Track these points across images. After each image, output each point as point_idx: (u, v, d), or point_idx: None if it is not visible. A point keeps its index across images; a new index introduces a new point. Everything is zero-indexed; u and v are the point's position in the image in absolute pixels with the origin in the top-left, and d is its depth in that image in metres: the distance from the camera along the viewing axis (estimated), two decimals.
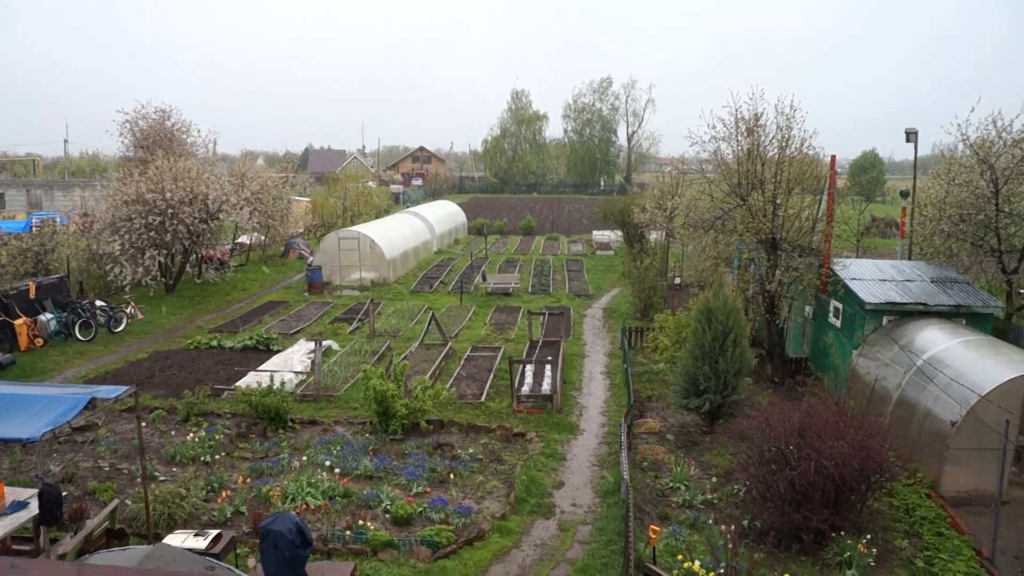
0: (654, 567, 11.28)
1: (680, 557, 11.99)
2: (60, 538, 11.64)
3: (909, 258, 24.38)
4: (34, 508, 11.09)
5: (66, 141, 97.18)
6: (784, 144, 20.81)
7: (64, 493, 12.60)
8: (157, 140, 43.07)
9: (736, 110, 21.17)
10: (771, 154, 21.07)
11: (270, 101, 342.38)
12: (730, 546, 11.46)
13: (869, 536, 12.78)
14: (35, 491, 11.31)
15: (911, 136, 27.34)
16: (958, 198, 22.14)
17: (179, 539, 11.22)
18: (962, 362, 15.52)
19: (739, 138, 21.35)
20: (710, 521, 13.69)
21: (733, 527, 12.35)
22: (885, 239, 49.45)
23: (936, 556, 12.52)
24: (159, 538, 12.08)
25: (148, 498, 13.13)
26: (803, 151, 21.05)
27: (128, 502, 14.26)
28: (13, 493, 11.60)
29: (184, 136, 44.61)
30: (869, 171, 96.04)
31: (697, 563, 11.56)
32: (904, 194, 27.87)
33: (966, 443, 14.44)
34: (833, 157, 21.42)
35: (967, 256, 22.57)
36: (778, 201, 20.70)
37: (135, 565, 8.40)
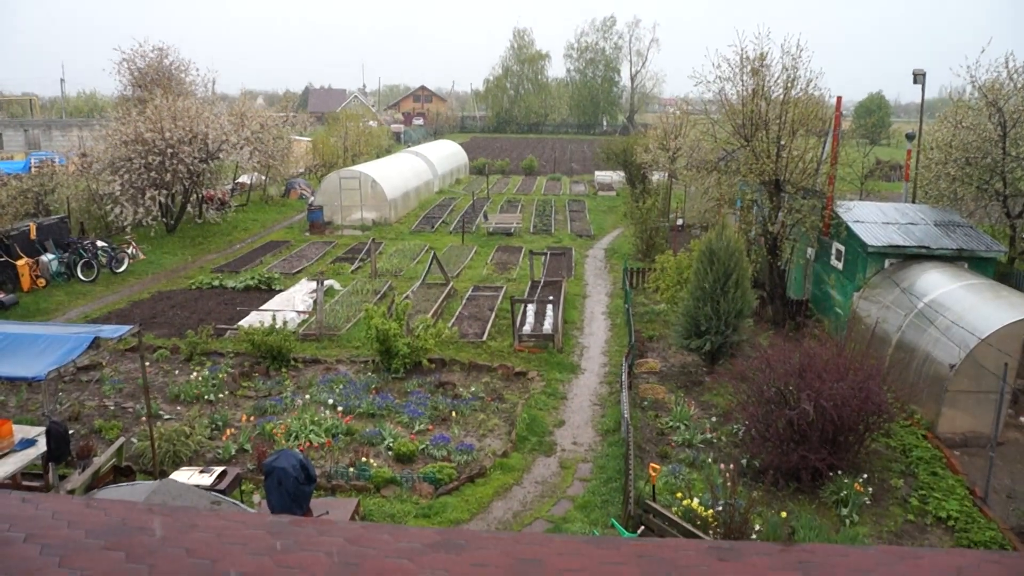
0: (654, 504, 11.45)
1: (679, 495, 12.18)
2: (69, 475, 11.82)
3: (913, 201, 24.26)
4: (42, 445, 11.24)
5: (62, 80, 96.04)
6: (789, 85, 20.54)
7: (71, 431, 12.75)
8: (155, 79, 42.47)
9: (741, 50, 20.86)
10: (776, 95, 20.81)
11: (270, 40, 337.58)
12: (729, 484, 11.62)
13: (866, 475, 12.95)
14: (42, 429, 11.45)
15: (919, 78, 27.01)
16: (965, 141, 21.92)
17: (185, 476, 11.40)
18: (963, 306, 15.55)
19: (744, 78, 21.07)
20: (709, 460, 13.86)
21: (732, 466, 12.52)
22: (889, 182, 49.10)
23: (930, 495, 12.70)
24: (165, 475, 12.26)
25: (153, 436, 13.31)
26: (808, 92, 20.79)
27: (134, 440, 14.44)
28: (21, 431, 11.74)
29: (183, 75, 43.98)
30: (875, 113, 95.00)
31: (696, 501, 11.74)
32: (910, 137, 27.64)
33: (964, 386, 14.54)
34: (839, 99, 21.16)
35: (972, 200, 22.45)
36: (782, 142, 20.52)
37: (143, 500, 8.54)
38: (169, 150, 31.36)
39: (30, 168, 39.51)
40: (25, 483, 11.60)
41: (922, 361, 15.48)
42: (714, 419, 15.60)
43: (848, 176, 28.93)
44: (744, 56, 20.85)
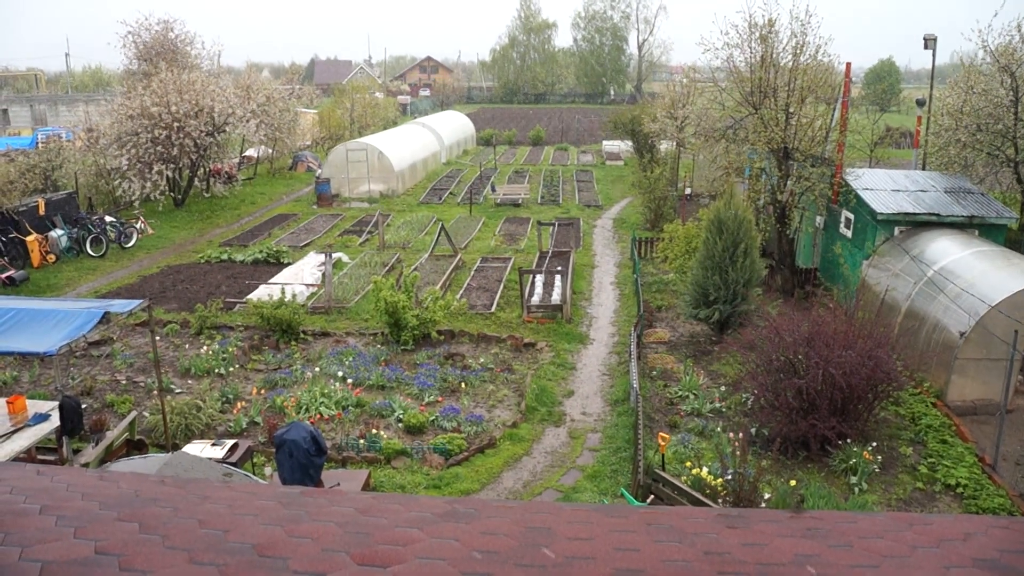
0: (663, 473, 11.51)
1: (689, 464, 12.23)
2: (83, 448, 11.94)
3: (923, 168, 24.07)
4: (55, 420, 11.34)
5: (67, 55, 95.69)
6: (798, 51, 20.33)
7: (83, 406, 12.86)
8: (160, 52, 42.33)
9: (750, 16, 20.64)
10: (784, 61, 20.62)
11: (275, 11, 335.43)
12: (738, 453, 11.66)
13: (875, 444, 12.98)
14: (56, 404, 11.54)
15: (930, 43, 26.69)
16: (976, 107, 21.71)
17: (197, 448, 11.50)
18: (973, 273, 15.48)
19: (752, 45, 20.86)
20: (718, 429, 13.90)
21: (741, 435, 12.54)
22: (899, 149, 48.69)
23: (940, 463, 12.73)
24: (177, 448, 12.36)
25: (165, 410, 13.40)
26: (817, 59, 20.58)
27: (146, 414, 14.55)
28: (35, 406, 11.84)
29: (188, 48, 43.84)
30: (885, 79, 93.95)
31: (705, 470, 11.79)
32: (920, 103, 27.34)
33: (974, 353, 14.51)
34: (848, 65, 20.96)
35: (982, 166, 22.28)
36: (791, 110, 20.36)
37: (155, 472, 8.61)
38: (175, 124, 31.30)
39: (37, 144, 39.48)
40: (40, 457, 11.72)
41: (932, 329, 15.45)
42: (723, 388, 15.62)
43: (857, 143, 28.70)
44: (752, 22, 20.64)
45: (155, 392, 15.07)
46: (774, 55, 20.64)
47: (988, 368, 14.49)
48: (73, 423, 11.40)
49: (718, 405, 14.94)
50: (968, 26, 21.54)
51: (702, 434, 13.92)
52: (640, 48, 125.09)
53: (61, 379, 13.31)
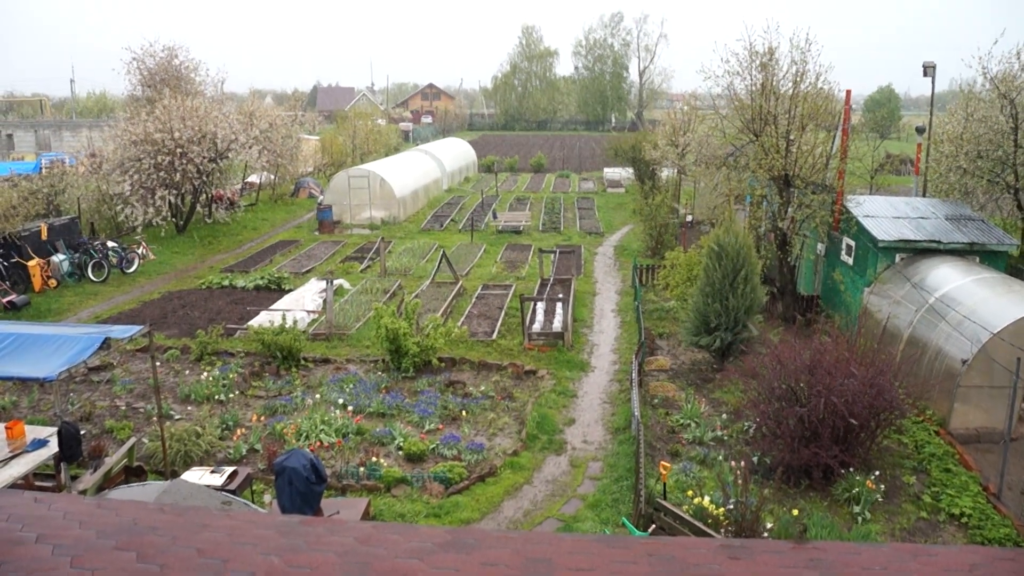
0: (664, 502, 11.43)
1: (690, 493, 12.15)
2: (81, 475, 11.87)
3: (923, 195, 24.13)
4: (54, 446, 11.28)
5: (72, 80, 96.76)
6: (798, 79, 20.45)
7: (82, 431, 12.80)
8: (165, 79, 42.61)
9: (750, 44, 20.78)
10: (785, 89, 20.73)
11: (278, 39, 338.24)
12: (740, 482, 11.59)
13: (878, 472, 12.89)
14: (54, 429, 11.49)
15: (929, 70, 26.82)
16: (976, 134, 21.80)
17: (196, 476, 11.43)
18: (975, 300, 15.46)
19: (753, 73, 20.98)
20: (720, 457, 13.82)
21: (743, 463, 12.47)
22: (899, 176, 48.84)
23: (943, 492, 12.64)
24: (176, 475, 12.30)
25: (164, 436, 13.34)
26: (817, 86, 20.69)
27: (145, 440, 14.48)
28: (33, 431, 11.80)
29: (192, 75, 44.11)
30: (885, 107, 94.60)
31: (707, 499, 11.71)
32: (920, 130, 27.44)
33: (976, 381, 14.47)
34: (848, 92, 21.08)
35: (983, 193, 22.34)
36: (791, 137, 20.43)
37: (153, 500, 8.56)
38: (178, 150, 31.45)
39: (41, 169, 39.67)
40: (37, 483, 11.65)
41: (934, 356, 15.40)
42: (725, 416, 15.55)
43: (858, 170, 28.76)
44: (753, 50, 20.77)
45: (155, 418, 15.01)
46: (774, 83, 20.75)
47: (991, 396, 14.44)
48: (72, 449, 11.34)
49: (720, 433, 14.87)
50: (967, 53, 21.68)
51: (704, 463, 13.84)
52: (641, 76, 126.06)
53: (60, 404, 13.28)
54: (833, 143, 21.44)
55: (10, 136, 67.97)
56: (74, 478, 11.66)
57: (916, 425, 14.77)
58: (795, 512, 11.70)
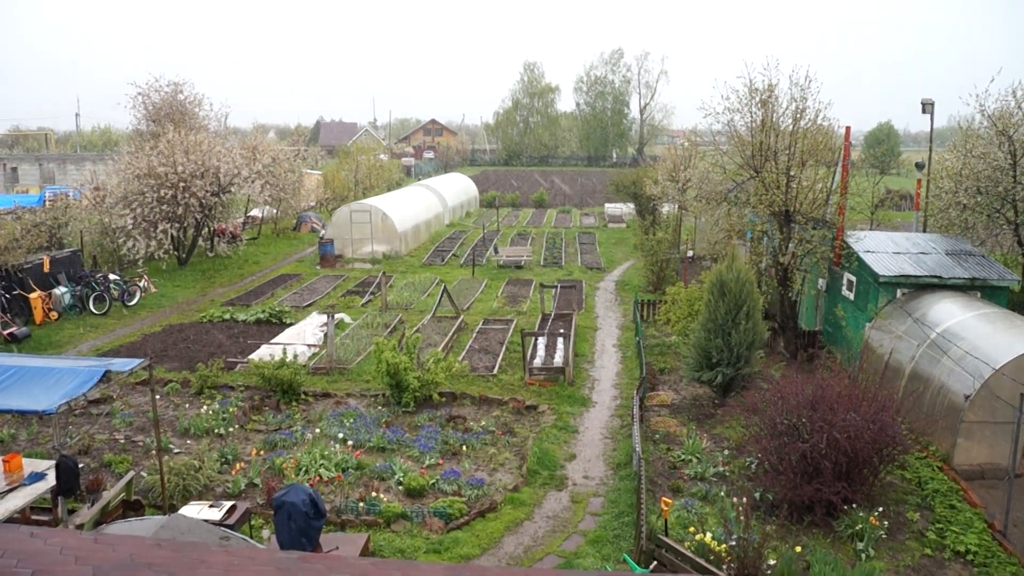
0: (666, 539, 11.33)
1: (692, 529, 12.05)
2: (78, 509, 11.79)
3: (924, 230, 24.18)
4: (52, 479, 11.22)
5: (78, 115, 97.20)
6: (798, 115, 20.59)
7: (80, 465, 12.74)
8: (169, 113, 43.01)
9: (750, 81, 20.95)
10: (785, 125, 20.86)
11: (282, 74, 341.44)
12: (742, 518, 11.50)
13: (881, 509, 12.79)
14: (52, 463, 11.43)
15: (927, 107, 27.01)
16: (975, 170, 21.92)
17: (194, 510, 11.35)
18: (976, 335, 15.44)
19: (753, 110, 21.13)
20: (722, 493, 13.72)
21: (745, 499, 12.37)
22: (900, 212, 49.01)
23: (948, 528, 12.53)
24: (174, 509, 12.22)
25: (163, 470, 13.27)
26: (817, 122, 20.83)
27: (144, 474, 14.40)
28: (31, 465, 11.73)
29: (196, 109, 44.54)
30: (884, 143, 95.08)
31: (709, 535, 11.61)
32: (920, 166, 27.59)
33: (979, 416, 14.40)
34: (848, 129, 21.21)
35: (983, 229, 22.40)
36: (792, 173, 20.53)
37: (151, 535, 8.49)
38: (181, 184, 31.63)
39: (45, 202, 39.86)
40: (34, 517, 11.57)
41: (936, 392, 15.35)
42: (727, 452, 15.45)
43: (858, 206, 28.91)
44: (752, 87, 20.93)
45: (153, 452, 14.93)
46: (774, 119, 20.89)
47: (994, 431, 14.36)
48: (69, 483, 11.28)
49: (722, 469, 14.78)
50: (965, 91, 21.89)
51: (705, 499, 13.74)
52: (642, 112, 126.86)
53: (59, 438, 13.23)
54: (833, 179, 21.53)
55: (15, 169, 68.42)
56: (71, 512, 11.59)
57: (919, 461, 14.68)
58: (798, 549, 11.59)
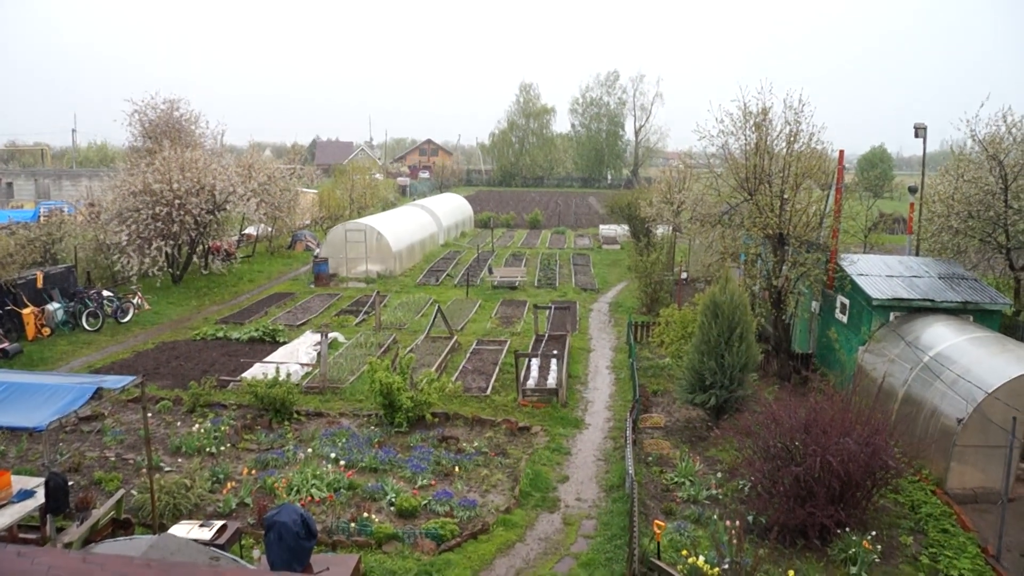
0: (658, 562, 11.28)
1: (685, 552, 12.00)
2: (66, 527, 11.68)
3: (917, 254, 24.29)
4: (41, 497, 11.13)
5: (74, 131, 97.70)
6: (792, 139, 20.73)
7: (70, 482, 12.65)
8: (165, 131, 43.05)
9: (744, 104, 21.10)
10: (779, 149, 20.98)
11: (278, 92, 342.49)
12: (735, 541, 11.46)
13: (874, 533, 12.75)
14: (42, 480, 11.35)
15: (920, 131, 27.24)
16: (967, 194, 22.05)
17: (184, 529, 11.26)
18: (969, 359, 15.47)
19: (747, 133, 21.27)
20: (715, 516, 13.66)
21: (738, 522, 12.33)
22: (893, 235, 49.26)
23: (941, 553, 12.50)
24: (164, 528, 12.12)
25: (154, 488, 13.18)
26: (811, 146, 20.97)
27: (134, 492, 14.30)
28: (20, 482, 11.65)
29: (192, 127, 44.58)
30: (877, 166, 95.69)
31: (702, 558, 11.56)
32: (912, 190, 27.77)
33: (973, 440, 14.40)
34: (841, 152, 21.34)
35: (975, 252, 22.50)
36: (785, 196, 20.63)
37: (140, 554, 8.42)
38: (176, 201, 31.62)
39: (39, 217, 39.83)
40: (22, 535, 11.47)
41: (929, 415, 15.36)
42: (719, 475, 15.42)
43: (852, 229, 29.06)
44: (747, 111, 21.08)
45: (144, 470, 14.84)
46: (768, 142, 21.02)
47: (988, 456, 14.36)
48: (58, 501, 11.18)
49: (714, 492, 14.74)
50: (957, 115, 22.09)
51: (698, 521, 13.69)
52: (637, 134, 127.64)
53: (49, 455, 13.12)
54: (827, 202, 21.64)
55: (10, 184, 68.45)
56: (60, 530, 11.49)
57: (913, 484, 14.66)
58: (791, 573, 11.53)
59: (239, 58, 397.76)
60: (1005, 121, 21.52)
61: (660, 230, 40.27)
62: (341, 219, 49.72)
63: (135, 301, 29.24)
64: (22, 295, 25.22)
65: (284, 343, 25.41)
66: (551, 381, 21.04)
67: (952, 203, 22.43)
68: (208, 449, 16.51)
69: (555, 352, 22.57)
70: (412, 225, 45.39)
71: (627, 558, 12.21)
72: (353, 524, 13.25)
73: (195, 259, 35.51)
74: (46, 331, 25.52)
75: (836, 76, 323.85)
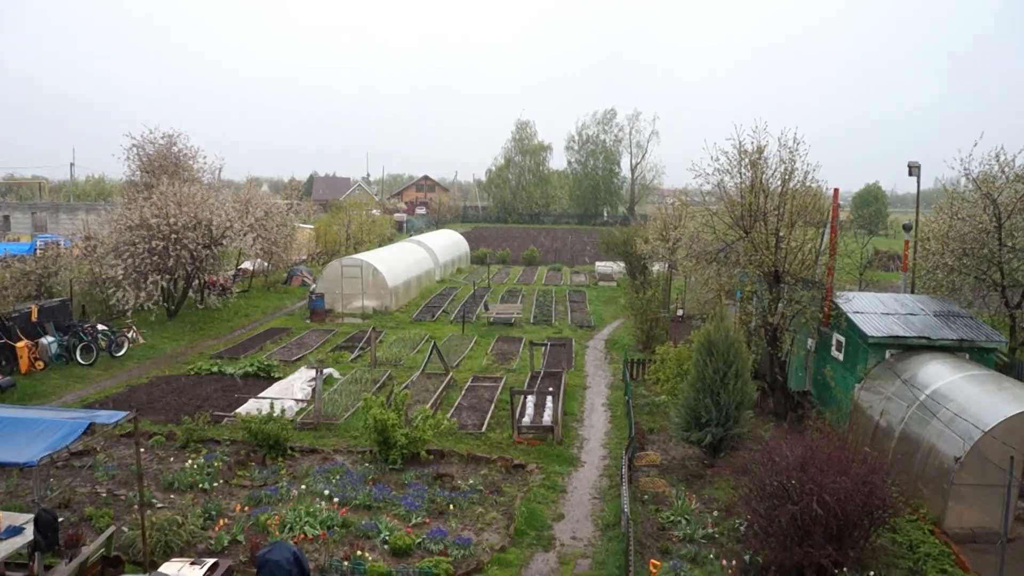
0: None
1: None
2: (55, 565, 11.53)
3: (912, 292, 24.34)
4: (30, 534, 11.01)
5: (72, 164, 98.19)
6: (787, 177, 20.85)
7: (60, 519, 12.53)
8: (163, 165, 43.27)
9: (739, 143, 21.25)
10: (774, 187, 21.11)
11: (276, 129, 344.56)
12: None
13: (872, 573, 12.63)
14: (31, 516, 11.23)
15: (914, 170, 27.43)
16: (961, 232, 22.15)
17: (175, 567, 11.13)
18: (965, 397, 15.44)
19: (742, 171, 21.40)
20: (711, 555, 13.55)
21: (735, 562, 12.24)
22: (888, 272, 49.42)
23: None
24: (155, 566, 11.98)
25: (145, 525, 13.04)
26: (806, 184, 21.10)
27: (125, 529, 14.15)
28: (9, 518, 11.53)
29: (190, 162, 44.82)
30: (872, 204, 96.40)
31: None
32: (907, 228, 27.90)
33: (970, 479, 14.33)
34: (836, 190, 21.46)
35: (970, 290, 22.55)
36: (781, 234, 20.71)
37: None
38: (173, 235, 31.68)
39: (36, 250, 39.85)
40: (9, 573, 11.32)
41: (926, 453, 15.29)
42: (716, 513, 15.31)
43: (847, 266, 29.13)
44: (742, 149, 21.23)
45: (136, 506, 14.69)
46: (763, 180, 21.14)
47: (986, 495, 14.28)
48: (48, 537, 11.06)
49: (711, 531, 14.62)
50: (950, 154, 22.29)
51: (695, 561, 13.56)
52: (633, 171, 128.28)
53: (39, 490, 13.00)
54: (822, 240, 21.73)
55: (7, 217, 68.57)
56: (48, 567, 11.34)
57: (910, 524, 14.56)
58: None
59: (238, 95, 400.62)
60: (998, 160, 21.70)
61: (656, 267, 40.34)
62: (337, 255, 49.84)
63: (130, 335, 29.17)
64: (16, 328, 25.14)
65: (279, 378, 25.31)
66: (547, 418, 20.95)
67: (947, 241, 22.53)
68: (201, 485, 16.36)
69: (551, 389, 22.53)
70: (408, 261, 45.48)
71: None
72: (346, 563, 13.10)
73: (191, 293, 35.49)
74: (40, 364, 25.41)
75: (830, 114, 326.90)
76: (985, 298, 22.85)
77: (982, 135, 21.92)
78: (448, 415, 20.71)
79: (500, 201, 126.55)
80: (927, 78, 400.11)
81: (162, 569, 11.00)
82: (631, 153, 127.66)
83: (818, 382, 21.79)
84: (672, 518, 15.15)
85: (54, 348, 26.14)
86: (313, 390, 22.25)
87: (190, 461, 17.48)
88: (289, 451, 18.46)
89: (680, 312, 33.43)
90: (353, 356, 28.84)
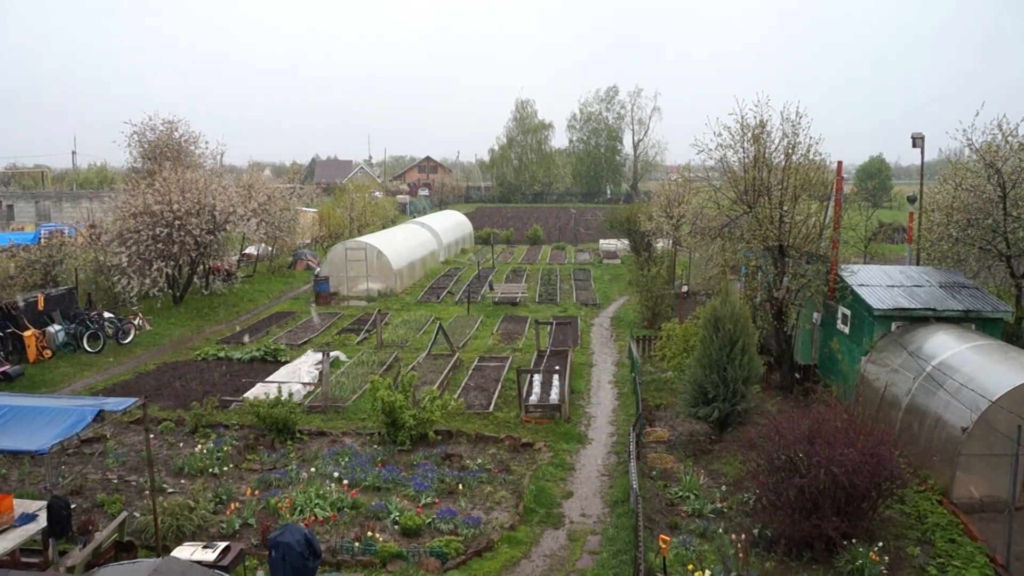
0: None
1: (690, 567, 11.93)
2: (69, 551, 11.64)
3: (917, 263, 24.28)
4: (43, 520, 11.10)
5: (74, 152, 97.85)
6: (790, 151, 20.76)
7: (72, 505, 12.62)
8: (165, 151, 43.22)
9: (742, 117, 21.13)
10: (777, 161, 21.01)
11: (277, 112, 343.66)
12: (741, 555, 11.40)
13: (881, 544, 12.68)
14: (44, 503, 11.33)
15: (918, 141, 27.28)
16: (965, 203, 22.06)
17: (188, 551, 11.21)
18: (972, 367, 15.43)
19: (745, 145, 21.30)
20: (720, 530, 13.61)
21: (744, 536, 12.27)
22: (893, 244, 49.30)
23: (949, 563, 12.42)
24: (168, 550, 12.08)
25: (156, 510, 13.13)
26: (809, 157, 21.00)
27: (136, 514, 14.25)
28: (22, 505, 11.61)
29: (192, 147, 44.74)
30: (876, 176, 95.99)
31: (708, 572, 11.50)
32: (911, 199, 27.79)
33: (977, 449, 14.34)
34: (839, 163, 21.35)
35: (975, 261, 22.49)
36: (785, 208, 20.64)
37: None
38: (177, 222, 31.67)
39: (40, 239, 39.91)
40: (24, 559, 11.42)
41: (933, 425, 15.30)
42: (724, 488, 15.35)
43: (852, 239, 29.06)
44: (745, 124, 21.12)
45: (147, 492, 14.78)
46: (767, 155, 21.05)
47: (993, 464, 14.29)
48: (61, 524, 11.15)
49: (719, 505, 14.67)
50: (953, 124, 22.09)
51: (704, 535, 13.62)
52: (635, 148, 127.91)
53: (51, 478, 13.11)
54: (826, 213, 21.65)
55: (11, 207, 68.63)
56: (62, 553, 11.45)
57: (918, 495, 14.59)
58: None
59: (237, 78, 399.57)
60: (1001, 129, 21.54)
61: (660, 244, 40.28)
62: (341, 238, 49.82)
63: (136, 322, 29.24)
64: (23, 317, 25.22)
65: (286, 362, 25.38)
66: (553, 397, 21.00)
67: (951, 212, 22.44)
68: (211, 470, 16.45)
69: (557, 368, 22.56)
70: (412, 243, 45.45)
71: (633, 573, 12.15)
72: (357, 543, 13.19)
73: (196, 280, 35.54)
74: (47, 353, 25.51)
75: (833, 87, 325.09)
76: (991, 268, 22.80)
77: (983, 104, 21.76)
78: (455, 395, 20.76)
79: (503, 181, 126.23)
80: (930, 48, 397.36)
81: (174, 553, 11.08)
82: (633, 130, 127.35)
83: (824, 355, 21.79)
84: (680, 493, 15.21)
85: (61, 336, 26.23)
86: (320, 373, 22.31)
87: (199, 446, 17.57)
88: (298, 434, 18.55)
89: (685, 288, 33.41)
90: (359, 338, 28.88)
